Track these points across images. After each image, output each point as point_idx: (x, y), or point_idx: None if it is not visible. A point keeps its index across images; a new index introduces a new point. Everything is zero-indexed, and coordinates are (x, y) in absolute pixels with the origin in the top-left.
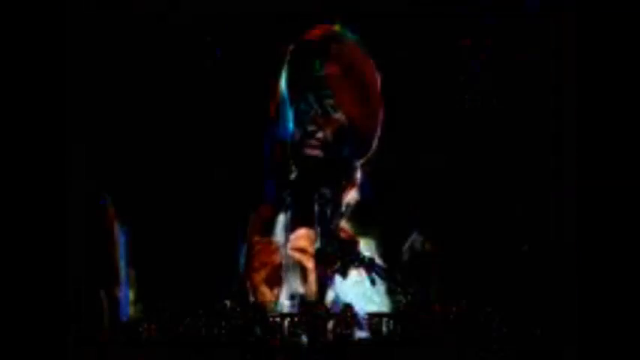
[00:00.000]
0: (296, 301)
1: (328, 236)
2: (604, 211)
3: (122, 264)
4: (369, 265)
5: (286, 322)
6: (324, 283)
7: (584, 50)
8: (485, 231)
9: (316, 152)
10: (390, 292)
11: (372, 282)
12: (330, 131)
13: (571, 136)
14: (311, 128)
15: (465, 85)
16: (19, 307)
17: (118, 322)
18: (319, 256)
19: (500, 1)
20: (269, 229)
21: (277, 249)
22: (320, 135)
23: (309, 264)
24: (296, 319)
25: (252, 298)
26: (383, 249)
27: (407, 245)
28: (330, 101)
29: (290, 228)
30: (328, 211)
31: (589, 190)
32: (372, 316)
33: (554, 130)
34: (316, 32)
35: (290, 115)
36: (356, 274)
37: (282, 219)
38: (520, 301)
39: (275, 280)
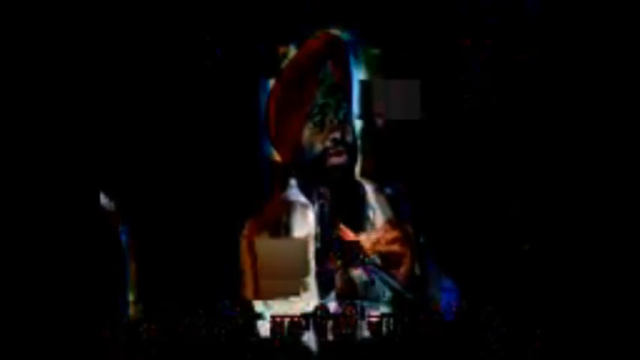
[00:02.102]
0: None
1: (329, 236)
2: (604, 211)
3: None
4: (369, 266)
5: (286, 323)
6: (325, 283)
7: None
8: (485, 231)
9: (342, 160)
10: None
11: (372, 282)
12: (351, 136)
13: (571, 136)
14: (335, 135)
15: (465, 85)
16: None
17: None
18: (319, 256)
19: (500, 1)
20: (274, 228)
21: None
22: (347, 140)
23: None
24: (296, 319)
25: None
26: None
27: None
28: (346, 105)
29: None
30: (327, 211)
31: (589, 190)
32: (372, 316)
33: (554, 130)
34: (319, 39)
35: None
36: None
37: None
38: (520, 301)
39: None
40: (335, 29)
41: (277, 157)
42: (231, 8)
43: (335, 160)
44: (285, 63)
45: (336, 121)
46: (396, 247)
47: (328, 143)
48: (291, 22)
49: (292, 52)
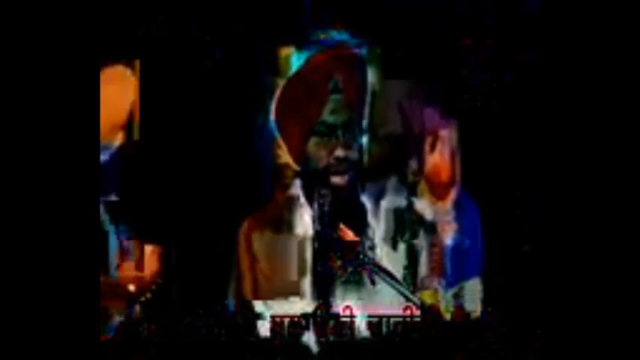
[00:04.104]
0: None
1: (328, 236)
2: (603, 211)
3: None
4: (369, 265)
5: (286, 323)
6: (325, 282)
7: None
8: (485, 231)
9: (344, 180)
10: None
11: (372, 282)
12: (356, 153)
13: (571, 136)
14: (339, 154)
15: (465, 84)
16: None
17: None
18: (320, 256)
19: (500, 1)
20: (271, 227)
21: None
22: (350, 158)
23: None
24: (296, 319)
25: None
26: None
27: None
28: (354, 124)
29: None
30: (327, 211)
31: (588, 191)
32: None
33: (554, 130)
34: (329, 52)
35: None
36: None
37: (303, 217)
38: (520, 302)
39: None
40: (334, 30)
41: (285, 157)
42: (231, 8)
43: (335, 180)
44: (294, 70)
45: (341, 139)
46: None
47: (332, 160)
48: (291, 22)
49: (294, 54)
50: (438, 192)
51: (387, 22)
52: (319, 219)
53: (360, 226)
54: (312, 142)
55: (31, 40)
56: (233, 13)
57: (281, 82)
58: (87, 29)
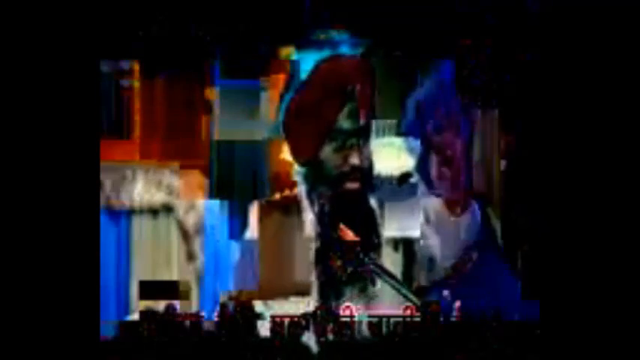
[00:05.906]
0: None
1: (328, 236)
2: (603, 210)
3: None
4: (369, 265)
5: (287, 323)
6: (325, 282)
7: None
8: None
9: (356, 185)
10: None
11: (373, 282)
12: (369, 160)
13: (571, 136)
14: (354, 162)
15: (465, 84)
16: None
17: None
18: (320, 256)
19: (500, 1)
20: (280, 225)
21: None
22: (364, 166)
23: None
24: (296, 319)
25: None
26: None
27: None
28: (369, 132)
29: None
30: (328, 211)
31: (588, 191)
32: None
33: (554, 130)
34: (351, 60)
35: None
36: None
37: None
38: (519, 301)
39: None
40: (334, 30)
41: (289, 157)
42: (231, 8)
43: (352, 185)
44: (311, 73)
45: (356, 146)
46: None
47: (346, 168)
48: (291, 22)
49: (294, 54)
50: (452, 207)
51: (387, 22)
52: (320, 220)
53: (369, 229)
54: (328, 148)
55: (30, 41)
56: (233, 13)
57: (286, 85)
58: (87, 29)
